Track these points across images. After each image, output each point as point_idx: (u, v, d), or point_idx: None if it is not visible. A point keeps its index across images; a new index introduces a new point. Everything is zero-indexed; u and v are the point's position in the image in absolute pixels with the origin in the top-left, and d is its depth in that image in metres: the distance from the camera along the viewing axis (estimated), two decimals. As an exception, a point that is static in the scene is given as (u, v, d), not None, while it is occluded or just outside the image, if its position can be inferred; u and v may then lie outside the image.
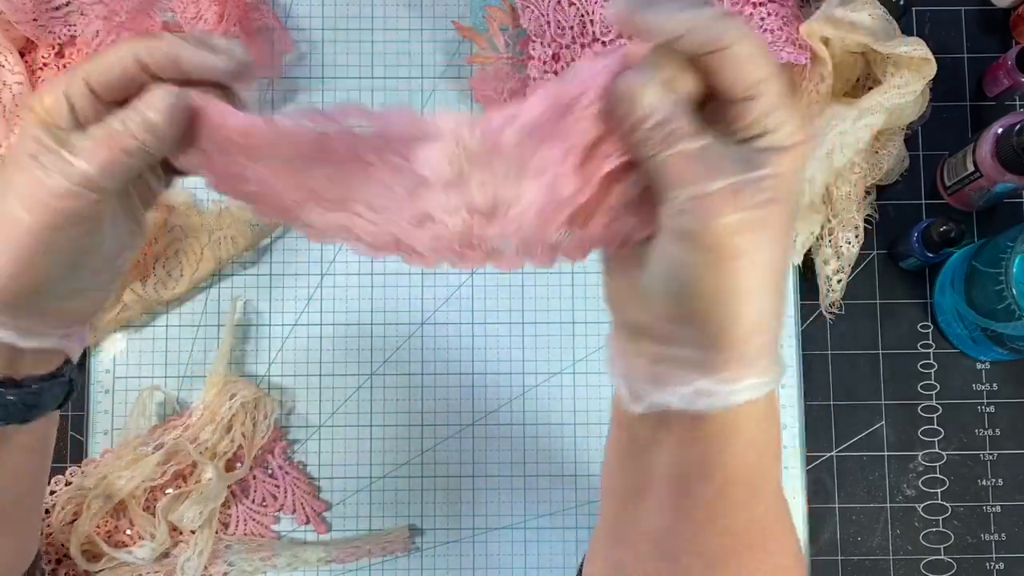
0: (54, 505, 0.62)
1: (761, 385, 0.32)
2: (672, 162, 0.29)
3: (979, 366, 0.67)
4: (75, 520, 0.62)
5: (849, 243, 0.64)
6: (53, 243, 0.34)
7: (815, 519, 0.66)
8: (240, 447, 0.64)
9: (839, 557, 0.66)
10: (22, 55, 0.64)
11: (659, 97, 0.29)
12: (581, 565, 0.42)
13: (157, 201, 0.39)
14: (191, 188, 0.67)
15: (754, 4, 0.63)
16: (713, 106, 0.30)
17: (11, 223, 0.33)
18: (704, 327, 0.31)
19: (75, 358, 0.40)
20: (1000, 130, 0.61)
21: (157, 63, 0.33)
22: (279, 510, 0.66)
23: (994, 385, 0.67)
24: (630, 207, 0.32)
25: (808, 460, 0.66)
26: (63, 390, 0.40)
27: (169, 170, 0.36)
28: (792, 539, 0.37)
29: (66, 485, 0.63)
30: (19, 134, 0.35)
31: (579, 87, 0.29)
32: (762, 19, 0.63)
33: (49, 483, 0.63)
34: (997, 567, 0.66)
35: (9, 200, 0.33)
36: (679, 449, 0.33)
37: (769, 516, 0.35)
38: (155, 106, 0.32)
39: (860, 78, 0.65)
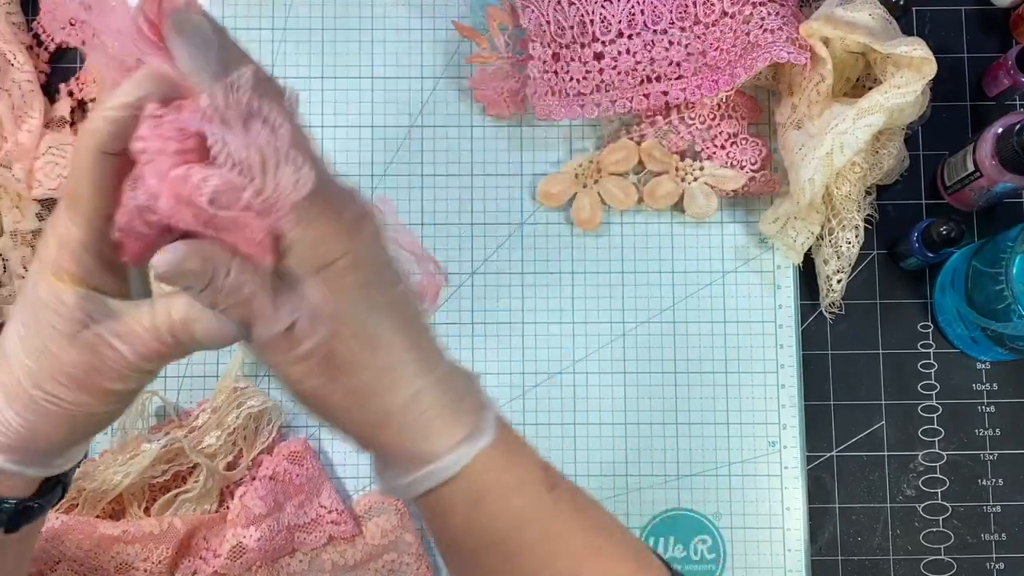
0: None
1: (465, 453, 0.33)
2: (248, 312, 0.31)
3: (979, 366, 0.67)
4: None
5: (849, 243, 0.64)
6: (95, 415, 0.33)
7: (815, 519, 0.66)
8: (240, 450, 0.64)
9: (839, 557, 0.66)
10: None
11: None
12: None
13: None
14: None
15: (754, 4, 0.63)
16: None
17: (53, 401, 0.31)
18: (374, 432, 0.33)
19: (77, 461, 0.37)
20: (1000, 130, 0.61)
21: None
22: (279, 510, 0.65)
23: (994, 385, 0.67)
24: None
25: (808, 460, 0.66)
26: (59, 495, 0.38)
27: None
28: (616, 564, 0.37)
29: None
30: (43, 298, 0.31)
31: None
32: (762, 19, 0.63)
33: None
34: (997, 567, 0.65)
35: (54, 379, 0.31)
36: (431, 526, 0.36)
37: (558, 558, 0.35)
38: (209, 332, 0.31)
39: (860, 78, 0.65)
